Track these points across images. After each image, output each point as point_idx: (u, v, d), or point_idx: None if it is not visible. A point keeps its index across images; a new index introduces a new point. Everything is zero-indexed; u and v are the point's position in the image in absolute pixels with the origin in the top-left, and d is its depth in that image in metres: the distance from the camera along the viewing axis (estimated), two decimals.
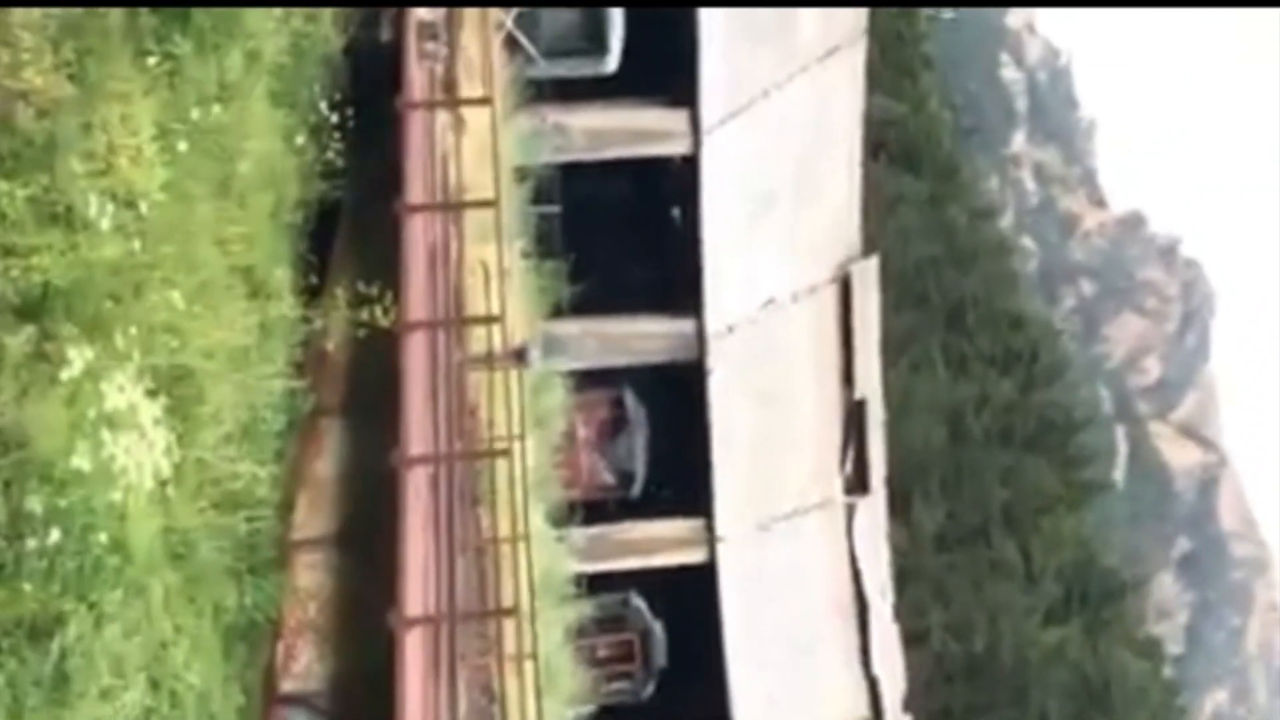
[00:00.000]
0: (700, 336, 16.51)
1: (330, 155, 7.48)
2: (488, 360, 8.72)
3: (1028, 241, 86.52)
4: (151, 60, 5.70)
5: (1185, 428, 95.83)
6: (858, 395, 18.95)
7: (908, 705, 20.50)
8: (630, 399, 16.38)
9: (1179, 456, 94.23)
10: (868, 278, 18.96)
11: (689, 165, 15.81)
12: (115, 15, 5.45)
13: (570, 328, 15.88)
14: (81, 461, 4.85)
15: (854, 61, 18.06)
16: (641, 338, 16.44)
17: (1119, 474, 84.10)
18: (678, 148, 15.70)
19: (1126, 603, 34.73)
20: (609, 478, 16.45)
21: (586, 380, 16.49)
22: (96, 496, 4.89)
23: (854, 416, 19.08)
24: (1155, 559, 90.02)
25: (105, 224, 4.97)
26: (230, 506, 5.87)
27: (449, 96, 8.44)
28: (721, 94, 15.75)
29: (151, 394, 5.11)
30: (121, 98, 5.31)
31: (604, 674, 15.97)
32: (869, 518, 19.58)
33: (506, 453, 7.82)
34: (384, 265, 7.06)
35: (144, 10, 5.69)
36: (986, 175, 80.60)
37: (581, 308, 15.80)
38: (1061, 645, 30.54)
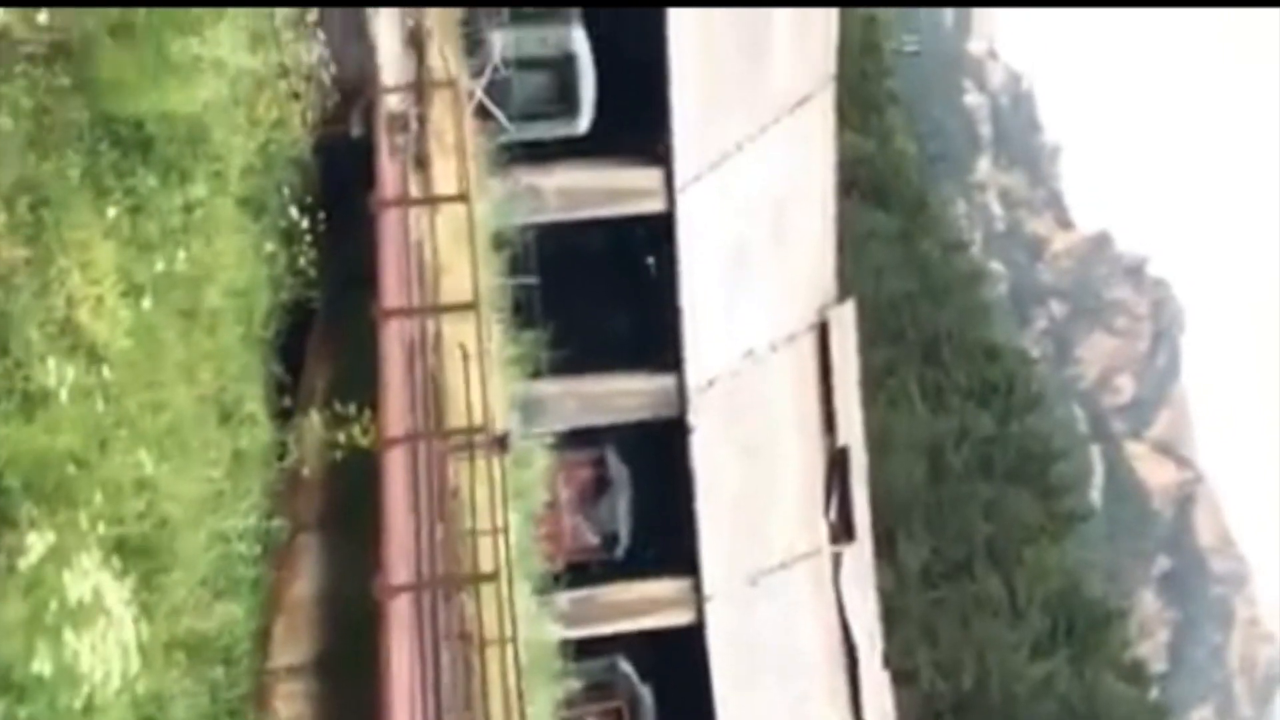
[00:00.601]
0: (681, 392, 16.36)
1: (301, 261, 7.26)
2: (469, 448, 8.50)
3: (997, 265, 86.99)
4: (112, 201, 5.46)
5: (1161, 446, 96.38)
6: (840, 442, 18.87)
7: None
8: (612, 458, 16.20)
9: (1155, 475, 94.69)
10: (845, 322, 18.91)
11: (664, 222, 15.71)
12: (75, 160, 5.22)
13: (550, 388, 15.69)
14: (43, 665, 4.52)
15: (824, 106, 18.05)
16: (622, 395, 16.28)
17: (1096, 494, 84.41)
18: (652, 206, 15.60)
19: (1112, 630, 34.62)
20: (592, 539, 16.24)
21: (567, 440, 16.28)
22: (60, 699, 4.57)
23: (836, 464, 18.97)
24: (1135, 578, 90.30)
25: (65, 394, 4.71)
26: (205, 653, 5.58)
27: (423, 184, 8.26)
28: (694, 150, 15.67)
29: (119, 573, 4.84)
30: (81, 245, 5.08)
31: None
32: (855, 565, 19.45)
33: (494, 576, 7.58)
34: (360, 374, 6.81)
35: (105, 147, 5.46)
36: (953, 201, 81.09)
37: (561, 368, 15.62)
38: (1049, 679, 30.38)
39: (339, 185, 7.19)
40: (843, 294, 19.01)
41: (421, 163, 8.52)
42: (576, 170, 15.23)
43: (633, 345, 16.29)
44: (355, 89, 8.16)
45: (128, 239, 5.41)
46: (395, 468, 6.32)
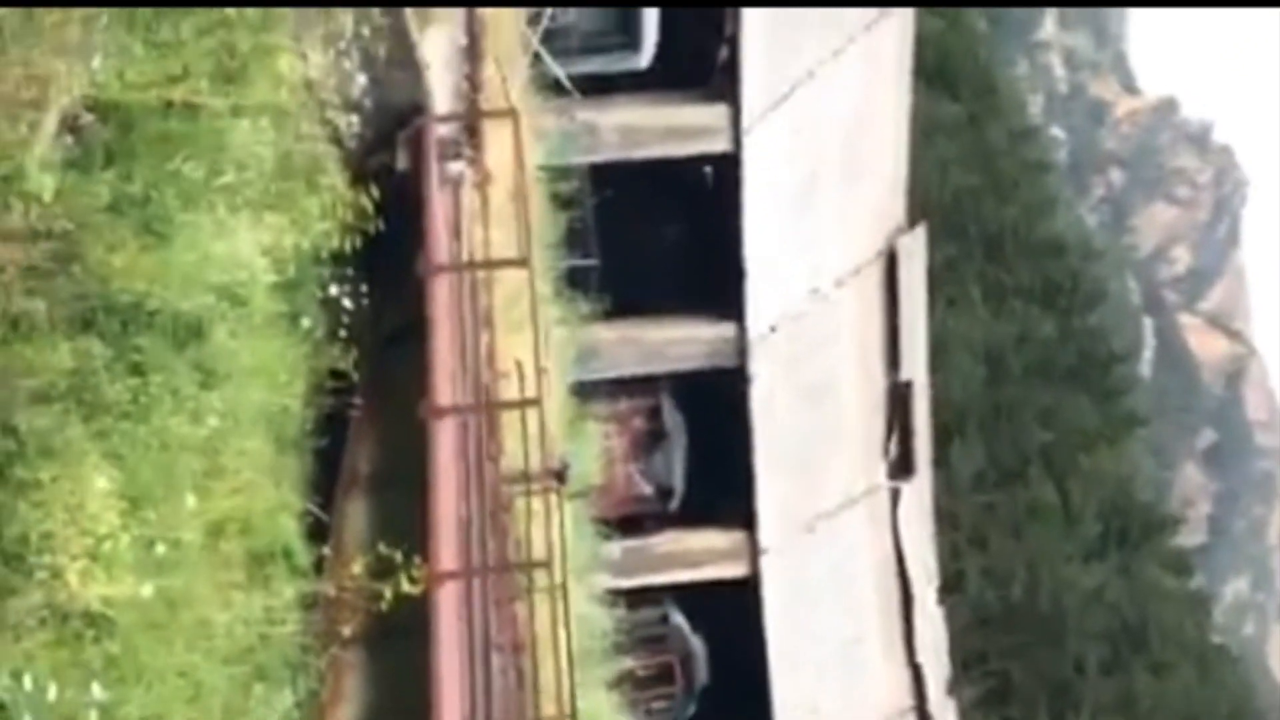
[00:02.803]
0: (741, 340, 15.52)
1: (337, 345, 6.39)
2: (524, 480, 7.81)
3: (1057, 130, 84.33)
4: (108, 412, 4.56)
5: (1213, 319, 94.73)
6: (904, 376, 18.07)
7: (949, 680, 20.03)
8: (668, 408, 15.47)
9: (1206, 348, 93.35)
10: (914, 250, 17.89)
11: (728, 162, 14.63)
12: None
13: (605, 334, 14.91)
14: None
15: (903, 20, 16.68)
16: (679, 343, 15.46)
17: (1146, 368, 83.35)
18: (717, 145, 14.49)
19: (1164, 536, 34.09)
20: (646, 490, 15.65)
21: (621, 388, 15.58)
22: None
23: (899, 398, 18.21)
24: (1180, 450, 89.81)
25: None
26: None
27: (478, 250, 7.35)
28: (763, 83, 14.48)
29: None
30: (69, 480, 4.21)
31: (643, 695, 15.38)
32: (914, 501, 18.84)
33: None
34: (408, 457, 6.01)
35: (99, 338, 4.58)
36: (1015, 62, 78.07)
37: (617, 313, 14.81)
38: (1099, 589, 29.97)
39: (384, 228, 6.34)
40: (913, 218, 17.97)
41: (481, 184, 7.58)
42: (636, 107, 14.10)
43: (692, 291, 15.39)
44: (401, 117, 7.21)
45: (131, 443, 4.54)
46: (447, 602, 5.60)
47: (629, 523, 15.62)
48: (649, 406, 15.49)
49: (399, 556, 5.59)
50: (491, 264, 7.28)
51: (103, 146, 4.84)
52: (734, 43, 14.00)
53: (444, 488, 5.84)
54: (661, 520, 15.77)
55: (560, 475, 8.30)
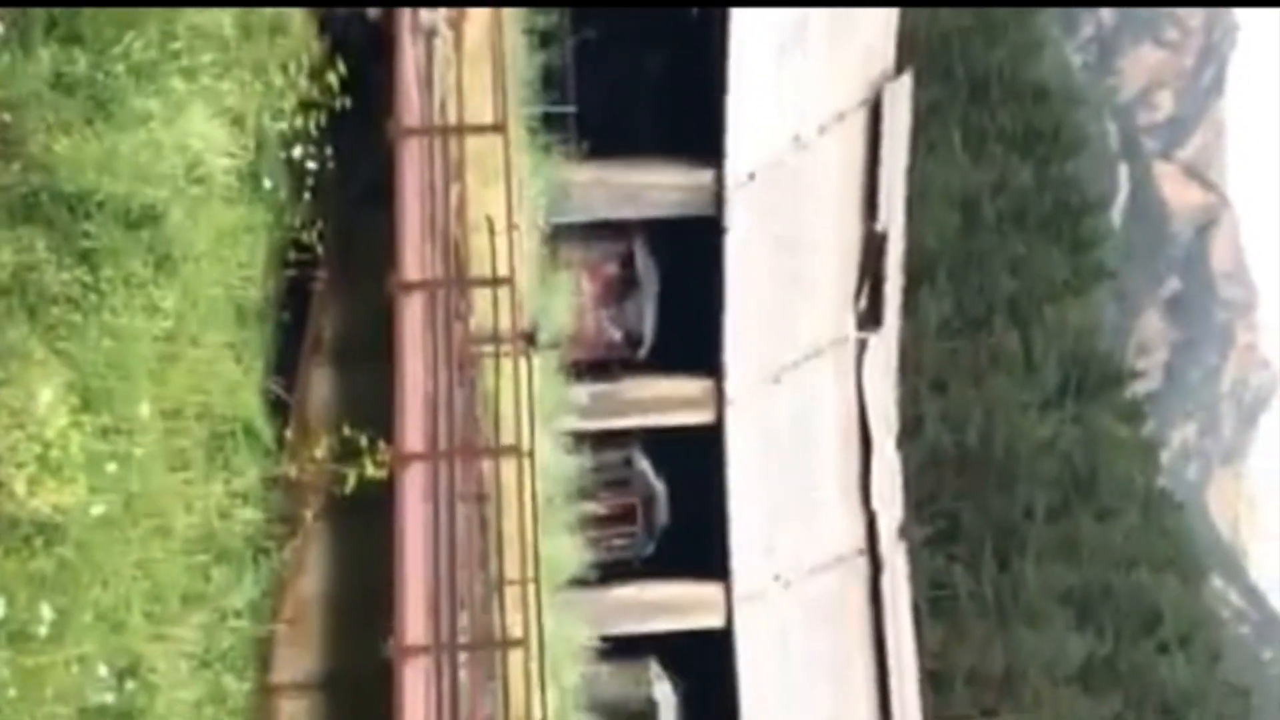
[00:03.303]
0: (719, 188, 15.24)
1: (303, 198, 6.05)
2: (494, 342, 7.67)
3: None
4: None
5: (1190, 167, 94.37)
6: (880, 226, 17.93)
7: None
8: (641, 255, 15.27)
9: (1180, 196, 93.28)
10: (900, 97, 17.52)
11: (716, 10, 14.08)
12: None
13: (579, 174, 14.58)
14: None
15: None
16: (655, 189, 15.15)
17: (1118, 214, 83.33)
18: None
19: (1121, 388, 34.65)
20: (616, 336, 15.57)
21: (594, 232, 15.33)
22: None
23: (873, 247, 18.11)
24: (1144, 298, 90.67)
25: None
26: None
27: (453, 120, 6.95)
28: None
29: None
30: (13, 383, 3.90)
31: (605, 533, 15.65)
32: (880, 352, 18.95)
33: (522, 643, 6.91)
34: (375, 331, 5.77)
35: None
36: None
37: (591, 153, 14.46)
38: (1053, 439, 30.57)
39: (352, 79, 5.97)
40: (901, 61, 17.53)
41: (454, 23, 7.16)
42: None
43: (670, 134, 15.00)
44: None
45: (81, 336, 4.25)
46: (412, 487, 5.50)
47: (598, 367, 15.61)
48: (622, 252, 15.29)
49: (364, 440, 5.48)
50: (464, 129, 6.95)
51: (43, 20, 4.43)
52: None
53: (410, 364, 5.70)
54: (630, 366, 15.77)
55: (530, 337, 8.17)
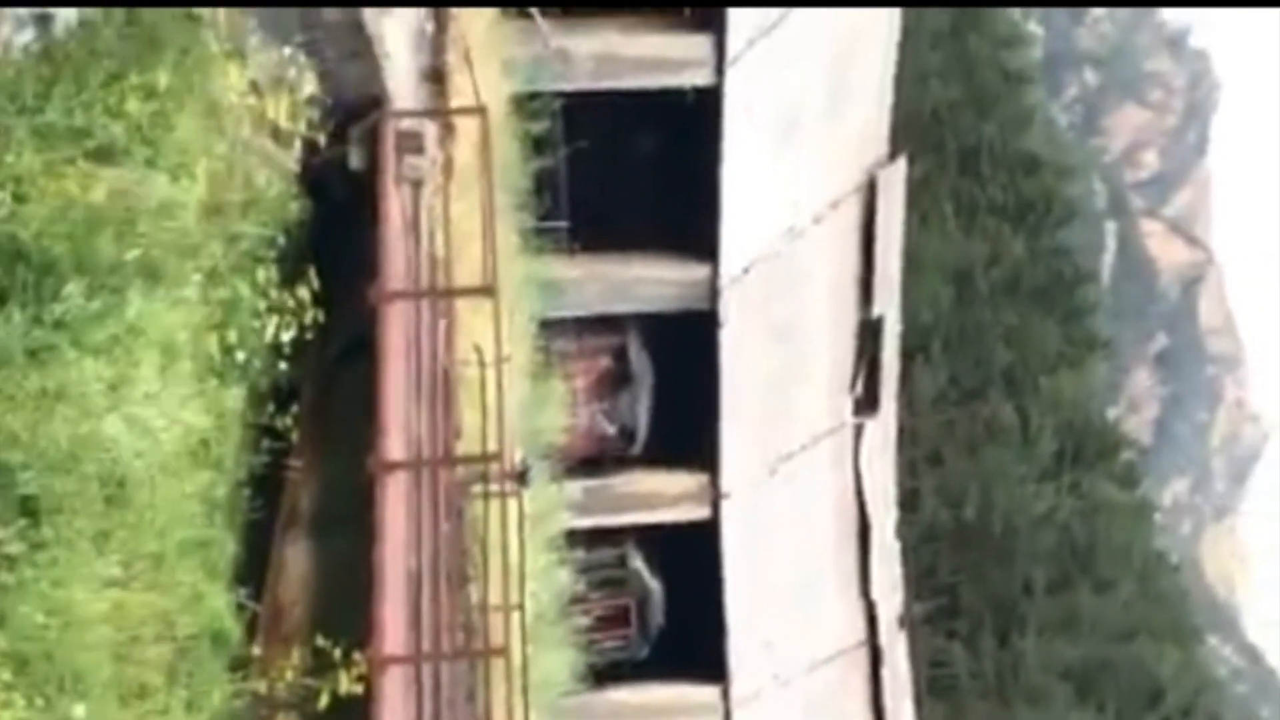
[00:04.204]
0: (713, 282, 14.97)
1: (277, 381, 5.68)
2: (483, 483, 7.30)
3: (1034, 27, 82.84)
4: None
5: (1176, 225, 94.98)
6: (876, 312, 17.70)
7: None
8: (635, 349, 14.96)
9: (1166, 253, 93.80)
10: (894, 183, 17.35)
11: (710, 95, 13.86)
12: None
13: (571, 270, 14.31)
14: None
15: None
16: (649, 283, 14.88)
17: (1105, 271, 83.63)
18: (699, 77, 13.69)
19: (1119, 456, 34.33)
20: (609, 431, 15.23)
21: (587, 325, 15.04)
22: None
23: (869, 334, 17.87)
24: (1132, 354, 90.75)
25: None
26: None
27: (441, 284, 6.63)
28: (751, 13, 13.64)
29: None
30: None
31: (599, 635, 15.20)
32: (878, 436, 18.65)
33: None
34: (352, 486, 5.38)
35: None
36: None
37: (584, 249, 14.20)
38: (1051, 511, 30.20)
39: (334, 234, 5.64)
40: (894, 139, 17.38)
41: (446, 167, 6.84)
42: (614, 34, 13.26)
43: (663, 229, 14.75)
44: (355, 113, 6.45)
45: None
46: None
47: (591, 463, 15.25)
48: (615, 346, 14.99)
49: (338, 650, 5.04)
50: (453, 292, 6.62)
51: None
52: None
53: (391, 547, 5.31)
54: (624, 461, 15.41)
55: (522, 476, 7.78)
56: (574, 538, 14.68)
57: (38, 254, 4.19)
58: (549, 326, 13.84)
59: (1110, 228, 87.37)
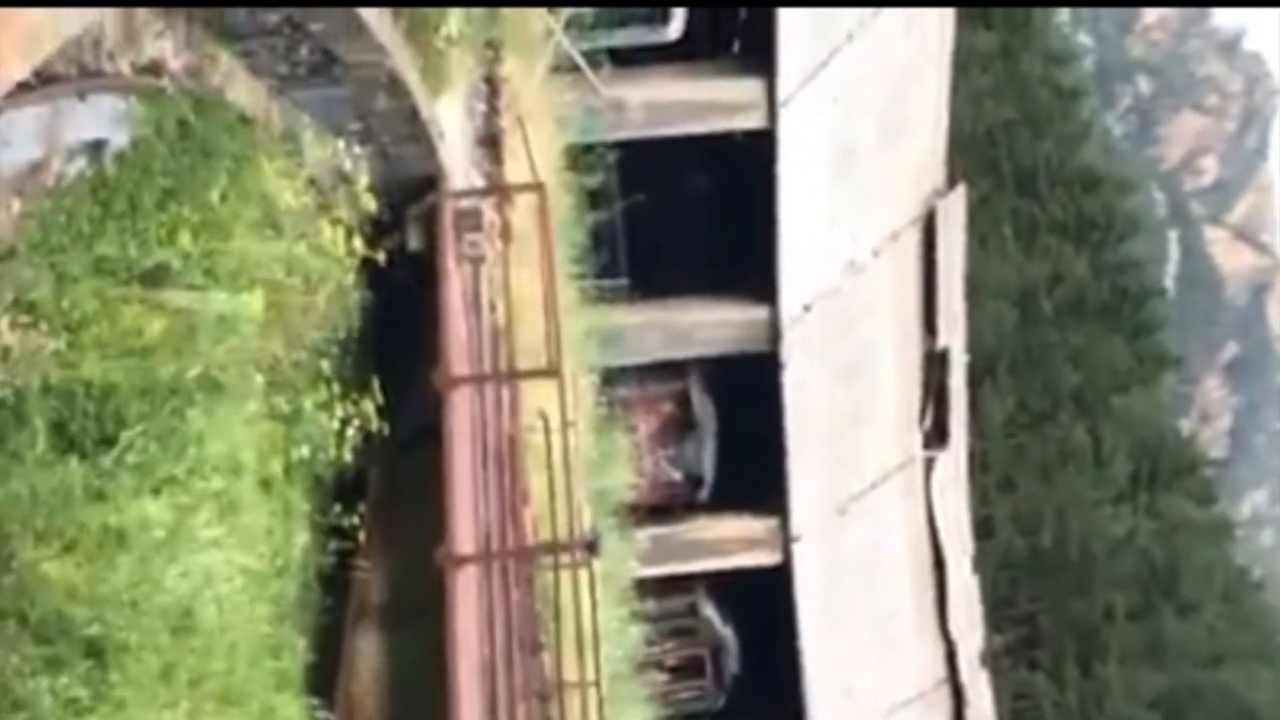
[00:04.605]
0: (774, 323, 14.77)
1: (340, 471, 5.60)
2: (553, 552, 7.14)
3: (1084, 38, 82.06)
4: None
5: (1240, 231, 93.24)
6: (941, 343, 17.40)
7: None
8: (697, 395, 14.77)
9: (1231, 261, 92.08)
10: (954, 212, 17.08)
11: (763, 138, 13.71)
12: None
13: (631, 317, 14.17)
14: None
15: None
16: (709, 327, 14.71)
17: (1169, 281, 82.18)
18: (751, 121, 13.55)
19: (1196, 476, 33.49)
20: (675, 478, 15.03)
21: (649, 371, 14.89)
22: None
23: (936, 366, 17.56)
24: (1202, 364, 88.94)
25: None
26: None
27: (507, 369, 6.52)
28: (801, 52, 13.49)
29: None
30: None
31: (673, 686, 14.95)
32: (949, 469, 18.28)
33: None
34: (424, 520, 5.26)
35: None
36: None
37: (643, 295, 14.07)
38: (1129, 535, 29.46)
39: (395, 318, 5.56)
40: (951, 167, 17.14)
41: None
42: (666, 82, 13.16)
43: (722, 272, 14.58)
44: (411, 194, 6.40)
45: None
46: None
47: (657, 510, 15.05)
48: (678, 391, 14.81)
49: None
50: (517, 375, 6.51)
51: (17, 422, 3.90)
52: (769, 12, 12.99)
53: (464, 642, 5.17)
54: (691, 508, 15.19)
55: (591, 546, 7.63)
56: (643, 587, 14.46)
57: (98, 384, 4.12)
58: (610, 373, 13.70)
59: (1173, 237, 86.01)
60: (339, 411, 5.41)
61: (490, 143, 7.81)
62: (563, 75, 11.40)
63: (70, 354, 4.03)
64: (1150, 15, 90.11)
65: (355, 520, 5.70)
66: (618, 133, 13.01)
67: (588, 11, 11.51)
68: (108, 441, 4.14)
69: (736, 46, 13.41)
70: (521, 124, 7.79)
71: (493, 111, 7.64)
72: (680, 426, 14.84)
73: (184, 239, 4.41)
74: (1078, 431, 30.09)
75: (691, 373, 14.91)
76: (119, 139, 4.40)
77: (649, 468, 14.87)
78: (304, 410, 5.26)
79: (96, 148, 4.38)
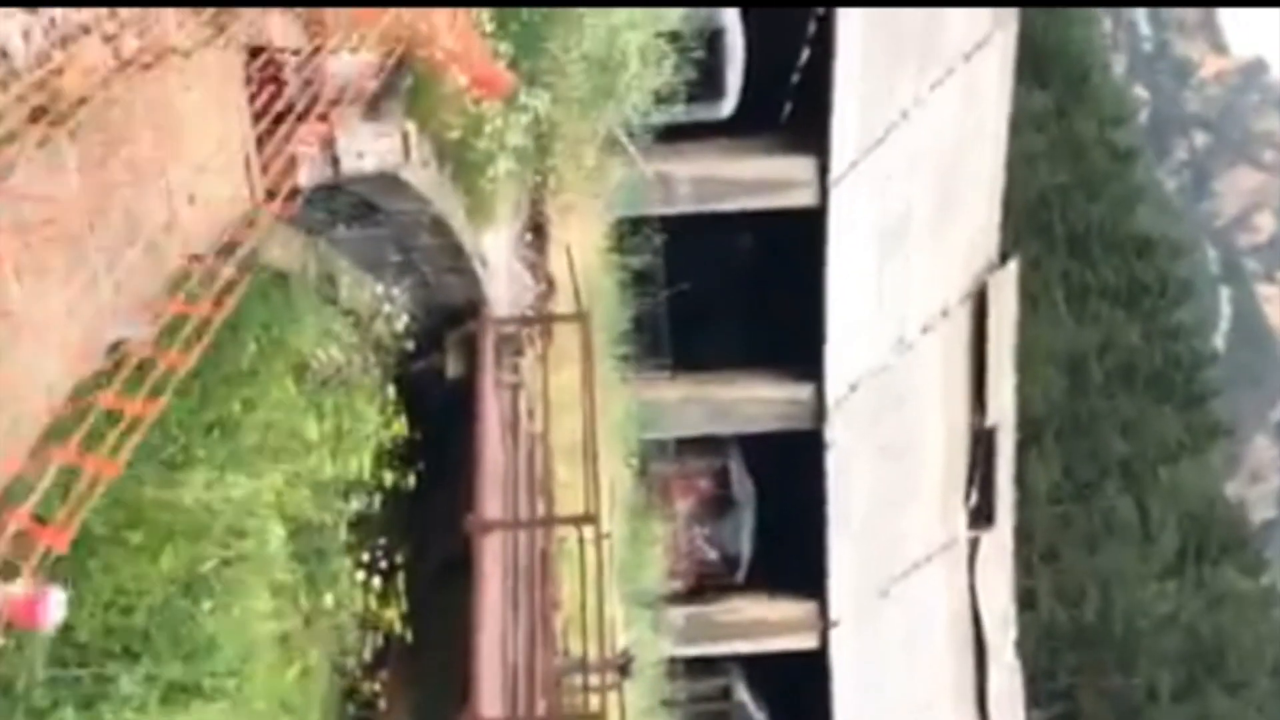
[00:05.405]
0: (819, 402, 14.43)
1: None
2: (583, 671, 6.84)
3: (1140, 90, 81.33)
4: None
5: None
6: (990, 421, 16.97)
7: None
8: (737, 473, 14.43)
9: None
10: (1005, 286, 16.69)
11: (813, 216, 13.41)
12: None
13: (672, 392, 13.89)
14: None
15: (1005, 45, 15.30)
16: (752, 404, 14.39)
17: (1220, 339, 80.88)
18: (801, 199, 13.27)
19: (1246, 552, 32.61)
20: (711, 556, 14.68)
21: (688, 446, 14.58)
22: None
23: (983, 443, 17.12)
24: (1252, 423, 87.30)
25: None
26: None
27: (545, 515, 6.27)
28: (854, 130, 13.22)
29: None
30: None
31: None
32: (994, 549, 17.81)
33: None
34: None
35: None
36: (1098, 21, 75.09)
37: (685, 370, 13.78)
38: (1175, 611, 28.66)
39: (429, 445, 5.32)
40: (1006, 248, 16.77)
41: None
42: (715, 158, 12.91)
43: (767, 349, 14.27)
44: (450, 319, 6.18)
45: None
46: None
47: (693, 589, 14.70)
48: (717, 468, 14.48)
49: None
50: (553, 521, 6.25)
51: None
52: (825, 85, 12.73)
53: None
54: (727, 588, 14.83)
55: (624, 669, 7.31)
56: (675, 667, 14.12)
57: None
58: (649, 449, 13.42)
59: (1225, 294, 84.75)
60: (363, 562, 5.18)
61: (535, 230, 7.59)
62: (610, 153, 11.19)
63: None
64: (1207, 69, 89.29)
65: (376, 688, 5.45)
66: (666, 208, 12.77)
67: (645, 93, 11.28)
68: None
69: (788, 122, 13.14)
70: (569, 254, 7.55)
71: (538, 202, 7.42)
72: (719, 505, 14.51)
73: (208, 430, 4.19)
74: (1124, 502, 29.40)
75: (732, 450, 14.58)
76: None
77: (685, 546, 14.54)
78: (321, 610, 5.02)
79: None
